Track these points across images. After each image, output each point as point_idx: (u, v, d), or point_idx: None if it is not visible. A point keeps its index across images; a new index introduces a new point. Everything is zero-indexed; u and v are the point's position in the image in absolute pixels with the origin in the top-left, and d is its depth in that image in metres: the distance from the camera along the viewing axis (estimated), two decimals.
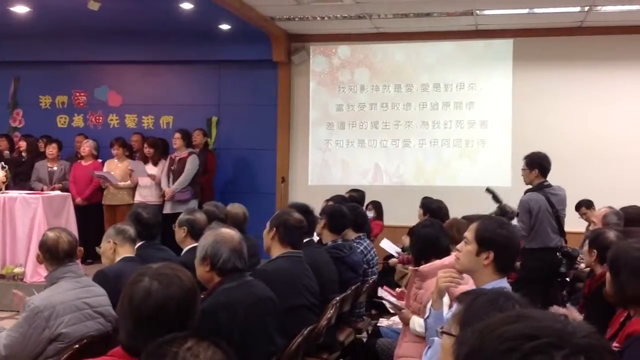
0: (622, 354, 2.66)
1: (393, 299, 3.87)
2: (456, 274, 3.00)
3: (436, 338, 3.03)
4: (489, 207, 6.17)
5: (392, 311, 3.98)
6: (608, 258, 3.02)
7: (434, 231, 3.91)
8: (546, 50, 9.21)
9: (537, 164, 6.02)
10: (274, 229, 3.91)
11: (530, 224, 5.86)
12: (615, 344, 2.80)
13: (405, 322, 3.74)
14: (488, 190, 6.20)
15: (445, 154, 9.59)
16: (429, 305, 3.19)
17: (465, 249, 2.93)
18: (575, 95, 9.15)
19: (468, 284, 3.37)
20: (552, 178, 8.96)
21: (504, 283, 2.83)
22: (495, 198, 6.12)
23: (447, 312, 3.29)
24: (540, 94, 9.24)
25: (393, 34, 9.56)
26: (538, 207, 5.88)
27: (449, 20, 8.96)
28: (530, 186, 6.10)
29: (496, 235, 2.85)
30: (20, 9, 8.45)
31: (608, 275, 2.99)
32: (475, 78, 9.50)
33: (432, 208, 6.22)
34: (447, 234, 4.07)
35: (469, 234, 2.94)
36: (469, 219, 5.24)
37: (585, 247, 4.27)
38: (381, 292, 4.00)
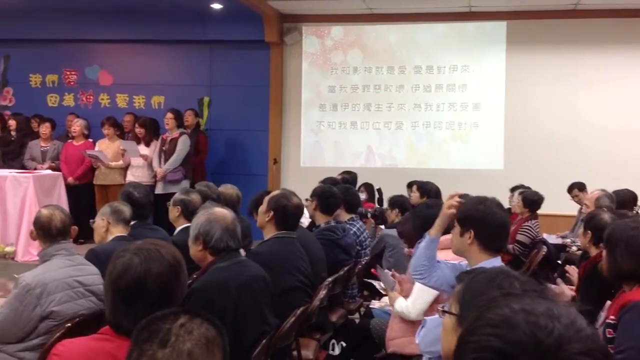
0: (617, 326, 2.71)
1: (390, 277, 3.87)
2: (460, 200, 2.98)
3: (428, 318, 3.05)
4: (481, 190, 6.17)
5: (382, 292, 3.99)
6: (605, 236, 3.06)
7: (437, 212, 3.84)
8: (540, 33, 9.19)
9: None
10: (272, 212, 3.89)
11: None
12: (611, 317, 2.84)
13: (392, 302, 3.74)
14: None
15: (437, 136, 9.58)
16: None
17: (453, 230, 2.96)
18: (568, 79, 9.15)
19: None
20: (544, 161, 9.04)
21: (496, 263, 2.83)
22: None
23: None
24: (533, 77, 9.23)
25: (386, 16, 9.51)
26: None
27: (443, 2, 8.92)
28: None
29: (473, 212, 2.87)
30: None
31: (604, 252, 3.03)
32: (468, 60, 9.47)
33: (428, 189, 6.22)
34: None
35: (456, 215, 2.97)
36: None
37: (580, 229, 4.29)
38: (380, 270, 3.99)
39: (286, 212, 3.89)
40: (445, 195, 6.26)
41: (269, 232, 3.93)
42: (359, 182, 8.09)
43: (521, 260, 6.20)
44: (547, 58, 9.20)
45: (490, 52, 9.39)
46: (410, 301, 3.58)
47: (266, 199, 4.00)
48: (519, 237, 6.38)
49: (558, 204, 7.77)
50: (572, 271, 4.16)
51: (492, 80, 9.40)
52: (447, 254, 3.60)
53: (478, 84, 9.44)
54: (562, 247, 6.84)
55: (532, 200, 6.61)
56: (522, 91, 9.28)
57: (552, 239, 7.07)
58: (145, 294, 2.01)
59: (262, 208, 3.96)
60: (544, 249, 6.09)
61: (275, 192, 4.09)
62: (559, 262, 6.39)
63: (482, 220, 2.84)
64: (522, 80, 9.29)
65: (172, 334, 1.43)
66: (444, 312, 1.86)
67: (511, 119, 9.30)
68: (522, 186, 7.34)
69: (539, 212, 6.71)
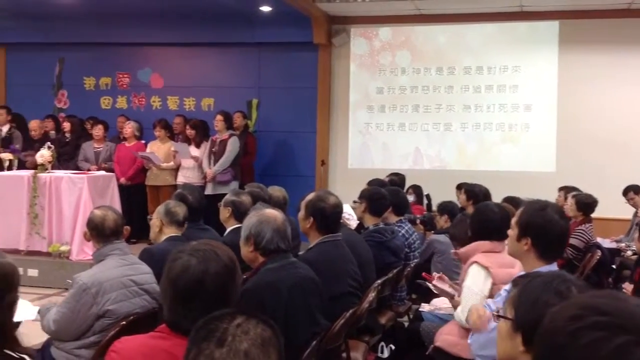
0: None
1: (447, 288, 3.82)
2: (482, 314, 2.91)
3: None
4: (532, 193, 6.07)
5: (436, 292, 3.95)
6: None
7: (499, 217, 3.71)
8: (593, 32, 8.99)
9: None
10: (311, 218, 3.80)
11: None
12: None
13: (455, 306, 3.70)
14: None
15: (487, 137, 9.46)
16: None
17: (510, 233, 2.90)
18: (622, 79, 8.93)
19: (515, 268, 3.33)
20: (598, 163, 8.83)
21: (552, 269, 2.77)
22: None
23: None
24: (586, 77, 9.04)
25: (435, 16, 9.44)
26: None
27: (493, 2, 8.80)
28: None
29: (532, 220, 2.78)
30: None
31: None
32: (519, 61, 9.33)
33: (476, 192, 6.14)
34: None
35: (514, 219, 2.91)
36: (510, 201, 5.20)
37: (636, 233, 4.18)
38: (436, 281, 3.91)
39: (325, 214, 3.80)
40: (495, 197, 6.20)
41: (314, 238, 3.86)
42: (407, 184, 8.04)
43: (574, 264, 6.07)
44: (600, 58, 8.99)
45: (542, 52, 9.22)
46: (460, 309, 3.54)
47: (303, 204, 3.89)
48: (573, 241, 6.25)
49: (612, 207, 7.60)
50: (628, 287, 4.04)
51: (543, 80, 9.23)
52: (498, 258, 3.55)
53: (529, 84, 9.29)
54: (617, 252, 6.68)
55: (585, 204, 6.47)
56: (575, 92, 9.10)
57: (607, 243, 6.91)
58: (203, 294, 2.03)
59: (301, 215, 3.87)
60: (598, 253, 5.95)
61: (310, 196, 3.94)
62: (614, 266, 6.24)
63: (541, 229, 2.75)
64: (575, 80, 9.10)
65: (229, 333, 1.44)
66: (499, 316, 1.83)
67: (564, 120, 9.12)
68: (574, 188, 7.20)
69: (593, 215, 6.57)
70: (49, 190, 7.53)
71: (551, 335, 1.03)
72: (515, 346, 1.72)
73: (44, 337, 3.50)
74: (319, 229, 3.83)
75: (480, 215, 3.77)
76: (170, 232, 4.11)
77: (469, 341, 3.09)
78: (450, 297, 3.80)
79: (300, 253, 4.10)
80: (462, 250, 3.78)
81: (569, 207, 6.64)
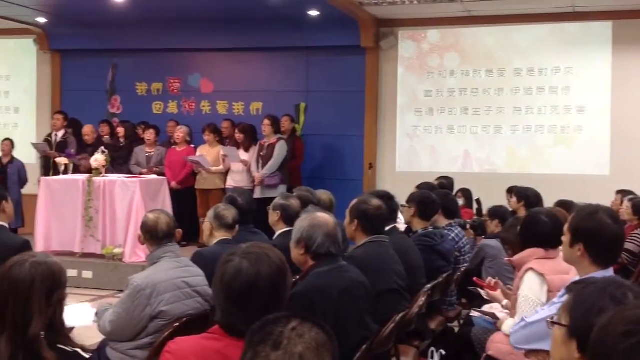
0: None
1: (499, 295, 3.78)
2: None
3: (527, 317, 2.98)
4: (586, 196, 5.95)
5: (487, 298, 3.91)
6: None
7: (549, 226, 3.58)
8: None
9: None
10: (355, 220, 3.87)
11: None
12: None
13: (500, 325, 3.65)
14: None
15: (539, 140, 9.30)
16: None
17: (563, 239, 2.86)
18: None
19: (570, 274, 3.27)
20: None
21: (607, 275, 2.71)
22: None
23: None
24: None
25: (485, 18, 9.33)
26: None
27: (544, 2, 8.66)
28: None
29: (583, 225, 2.73)
30: None
31: None
32: (571, 62, 9.15)
33: (528, 195, 6.04)
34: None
35: (566, 224, 2.86)
36: (563, 205, 5.10)
37: None
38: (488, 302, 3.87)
39: (368, 215, 3.85)
40: (547, 201, 6.09)
41: (360, 240, 3.90)
42: (456, 188, 7.95)
43: (630, 269, 5.91)
44: None
45: (595, 53, 9.03)
46: (517, 318, 3.48)
47: (348, 209, 3.97)
48: (628, 246, 6.08)
49: None
50: None
51: (597, 82, 9.03)
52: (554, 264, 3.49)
53: (582, 86, 9.10)
54: None
55: None
56: (629, 93, 8.88)
57: None
58: (255, 296, 2.06)
59: (347, 220, 3.94)
60: None
61: (354, 201, 4.03)
62: None
63: (593, 234, 2.70)
64: (629, 82, 8.88)
65: (284, 337, 1.46)
66: (554, 323, 1.81)
67: (618, 122, 8.91)
68: (631, 192, 7.02)
69: None
70: (103, 194, 7.70)
71: (604, 351, 1.01)
72: (571, 353, 1.69)
73: (99, 338, 3.58)
74: (363, 230, 3.87)
75: (529, 225, 3.70)
76: (221, 235, 4.16)
77: (510, 331, 3.07)
78: (502, 305, 3.75)
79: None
80: (516, 257, 3.72)
81: (625, 210, 6.48)
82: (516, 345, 2.93)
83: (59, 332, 2.15)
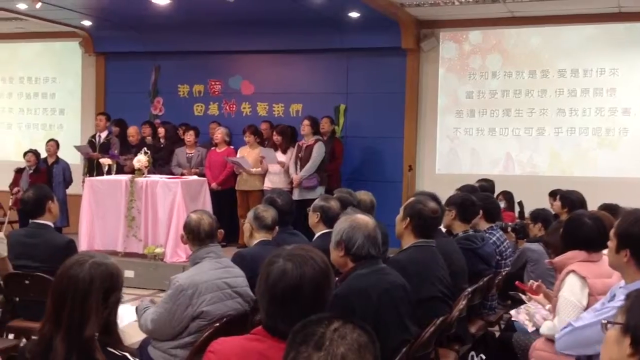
0: None
1: (542, 299, 3.73)
2: None
3: (573, 321, 2.93)
4: (631, 200, 5.82)
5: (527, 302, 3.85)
6: None
7: (592, 228, 3.52)
8: None
9: None
10: (408, 218, 3.82)
11: None
12: None
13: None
14: None
15: (583, 143, 9.13)
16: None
17: (609, 245, 2.82)
18: None
19: (612, 278, 3.21)
20: None
21: None
22: None
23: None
24: None
25: (528, 18, 9.20)
26: None
27: (589, 3, 8.49)
28: None
29: (630, 231, 2.69)
30: (161, 1, 8.73)
31: None
32: (617, 63, 8.96)
33: (573, 199, 5.93)
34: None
35: (612, 230, 2.81)
36: (608, 209, 4.99)
37: None
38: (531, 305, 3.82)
39: (422, 217, 3.80)
40: (591, 205, 5.97)
41: (407, 241, 3.85)
42: (497, 190, 7.86)
43: None
44: None
45: None
46: (557, 320, 3.42)
47: (402, 206, 3.93)
48: None
49: None
50: None
51: None
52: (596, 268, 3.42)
53: (628, 87, 8.91)
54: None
55: None
56: None
57: None
58: (300, 298, 2.06)
59: (399, 216, 3.90)
60: None
61: (411, 198, 4.00)
62: None
63: (639, 240, 2.66)
64: None
65: (326, 338, 1.46)
66: (609, 323, 1.83)
67: None
68: None
69: None
70: (145, 194, 7.82)
71: None
72: (623, 350, 1.72)
73: (140, 336, 3.63)
74: (414, 230, 3.82)
75: (572, 227, 3.64)
76: (261, 236, 4.18)
77: (556, 336, 3.02)
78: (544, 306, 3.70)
79: (391, 256, 4.09)
80: (557, 259, 3.66)
81: None
82: (562, 350, 2.89)
83: (112, 334, 2.17)
